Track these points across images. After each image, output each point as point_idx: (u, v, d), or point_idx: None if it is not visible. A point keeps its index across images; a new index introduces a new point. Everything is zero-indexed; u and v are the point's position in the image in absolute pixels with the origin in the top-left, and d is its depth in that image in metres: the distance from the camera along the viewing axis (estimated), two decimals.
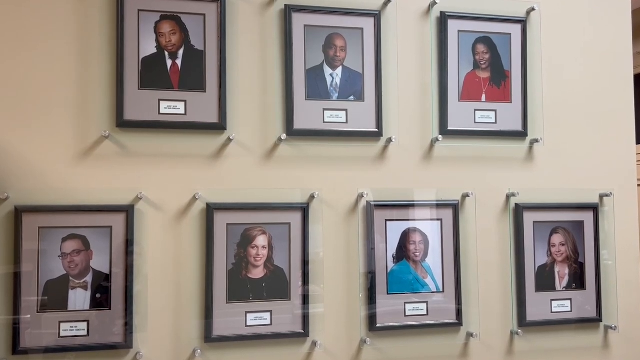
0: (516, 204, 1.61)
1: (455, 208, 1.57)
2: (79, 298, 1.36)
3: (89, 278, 1.37)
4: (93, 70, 1.42)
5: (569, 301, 1.62)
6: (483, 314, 1.57)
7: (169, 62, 1.45)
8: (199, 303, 1.42)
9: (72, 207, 1.37)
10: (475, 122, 1.61)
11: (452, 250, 1.56)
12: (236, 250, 1.45)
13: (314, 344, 1.47)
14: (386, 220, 1.53)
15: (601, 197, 1.68)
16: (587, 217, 1.65)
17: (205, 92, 1.45)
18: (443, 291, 1.55)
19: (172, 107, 1.43)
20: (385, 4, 1.57)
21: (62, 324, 1.35)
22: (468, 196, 1.59)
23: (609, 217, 1.68)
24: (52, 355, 1.34)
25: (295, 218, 1.48)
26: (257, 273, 1.46)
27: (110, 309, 1.37)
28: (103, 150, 1.41)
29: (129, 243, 1.39)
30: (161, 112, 1.43)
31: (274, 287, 1.46)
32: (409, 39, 1.59)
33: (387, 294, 1.52)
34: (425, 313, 1.53)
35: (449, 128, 1.59)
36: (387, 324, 1.51)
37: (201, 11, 1.46)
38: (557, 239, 1.63)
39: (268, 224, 1.46)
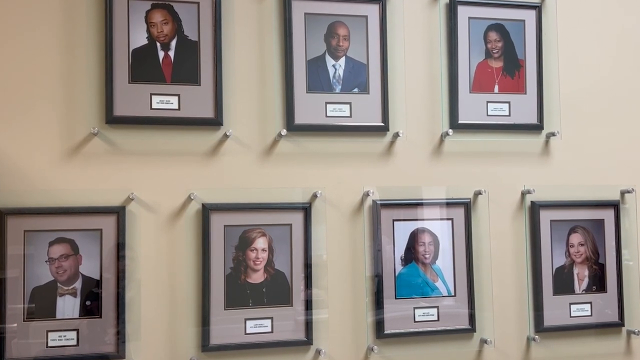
0: (532, 202, 1.57)
1: (467, 207, 1.53)
2: (68, 305, 1.33)
3: (78, 284, 1.34)
4: (80, 63, 1.38)
5: (588, 305, 1.58)
6: (497, 319, 1.53)
7: (161, 54, 1.41)
8: (195, 310, 1.39)
9: (59, 209, 1.34)
10: (487, 115, 1.57)
11: (464, 252, 1.52)
12: (234, 254, 1.41)
13: (318, 352, 1.43)
14: (393, 220, 1.49)
15: (622, 193, 1.64)
16: (608, 215, 1.61)
17: (199, 85, 1.42)
18: (455, 295, 1.51)
19: (164, 101, 1.40)
20: None
21: (50, 333, 1.32)
22: (480, 194, 1.55)
23: (631, 215, 1.63)
24: None
25: (296, 219, 1.44)
26: (257, 277, 1.42)
27: (101, 317, 1.34)
28: (92, 149, 1.37)
29: (120, 247, 1.36)
30: (153, 107, 1.39)
31: (275, 292, 1.42)
32: (416, 26, 1.55)
33: (395, 298, 1.48)
34: (436, 318, 1.50)
35: (459, 121, 1.55)
36: (395, 331, 1.47)
37: None
38: (575, 238, 1.59)
39: (268, 225, 1.43)
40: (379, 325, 1.46)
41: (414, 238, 1.50)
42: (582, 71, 1.64)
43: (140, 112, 1.38)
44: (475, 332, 1.51)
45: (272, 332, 1.41)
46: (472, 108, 1.55)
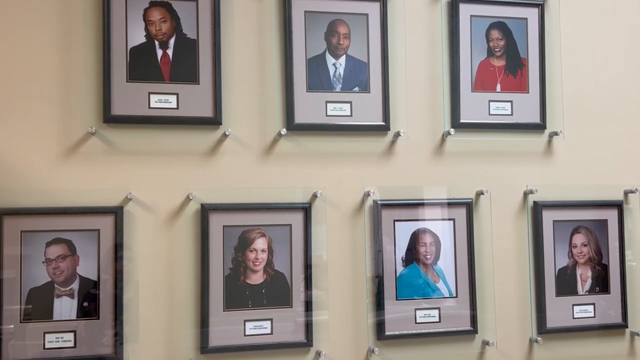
0: (534, 202, 1.55)
1: (469, 207, 1.52)
2: (65, 307, 1.32)
3: (75, 285, 1.33)
4: (77, 61, 1.37)
5: (592, 306, 1.57)
6: (500, 321, 1.52)
7: (160, 52, 1.39)
8: (194, 311, 1.37)
9: (56, 209, 1.33)
10: (489, 114, 1.55)
11: (465, 252, 1.51)
12: (233, 254, 1.39)
13: (318, 354, 1.42)
14: (394, 221, 1.48)
15: (626, 193, 1.62)
16: (611, 216, 1.60)
17: (198, 84, 1.40)
18: (456, 296, 1.50)
19: (163, 100, 1.38)
20: None
21: (47, 335, 1.30)
22: (482, 194, 1.53)
23: (634, 215, 1.62)
24: None
25: (296, 219, 1.42)
26: (256, 278, 1.40)
27: (98, 319, 1.33)
28: (89, 148, 1.36)
29: (118, 247, 1.34)
30: (151, 106, 1.38)
31: (275, 293, 1.41)
32: (417, 25, 1.54)
33: (396, 299, 1.47)
34: (438, 320, 1.48)
35: (461, 121, 1.53)
36: (396, 332, 1.46)
37: None
38: (578, 239, 1.57)
39: (267, 225, 1.41)
40: (379, 326, 1.44)
41: (415, 238, 1.48)
42: (585, 70, 1.62)
43: (138, 111, 1.36)
44: (477, 333, 1.49)
45: (271, 333, 1.39)
46: (474, 107, 1.53)
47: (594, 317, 1.56)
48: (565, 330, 1.54)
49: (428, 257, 1.49)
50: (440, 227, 1.50)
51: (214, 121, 1.40)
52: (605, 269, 1.58)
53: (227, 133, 1.40)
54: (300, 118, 1.44)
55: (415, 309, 1.46)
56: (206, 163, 1.41)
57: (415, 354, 1.47)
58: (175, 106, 1.38)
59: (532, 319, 1.53)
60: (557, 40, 1.59)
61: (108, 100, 1.34)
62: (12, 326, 1.28)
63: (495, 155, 1.55)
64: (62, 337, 1.30)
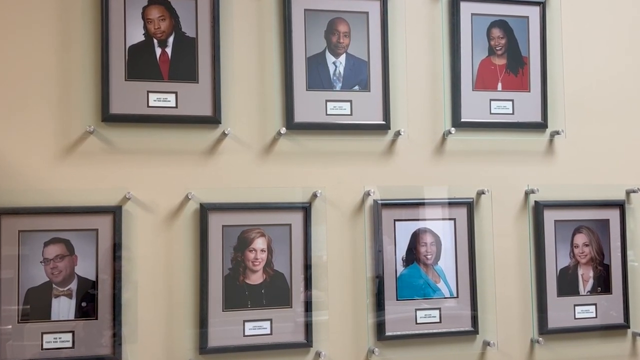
0: (536, 202, 1.55)
1: (470, 206, 1.51)
2: (63, 307, 1.31)
3: (73, 285, 1.32)
4: (76, 60, 1.36)
5: (593, 306, 1.56)
6: (501, 321, 1.51)
7: (158, 51, 1.39)
8: (193, 311, 1.37)
9: (54, 209, 1.32)
10: (490, 113, 1.54)
11: (466, 252, 1.50)
12: (233, 254, 1.39)
13: (318, 354, 1.41)
14: (395, 220, 1.47)
15: (628, 193, 1.62)
16: (613, 215, 1.59)
17: (197, 82, 1.39)
18: (457, 296, 1.49)
19: (161, 99, 1.38)
20: None
21: (45, 335, 1.30)
22: (483, 193, 1.53)
23: (636, 215, 1.61)
24: None
25: (296, 219, 1.42)
26: (256, 278, 1.40)
27: (96, 319, 1.32)
28: (87, 147, 1.36)
29: (116, 247, 1.34)
30: (150, 104, 1.37)
31: (274, 293, 1.40)
32: (418, 23, 1.53)
33: (397, 299, 1.46)
34: (438, 320, 1.48)
35: (462, 120, 1.52)
36: (396, 333, 1.45)
37: None
38: (580, 239, 1.57)
39: (267, 225, 1.41)
40: (380, 327, 1.43)
41: (415, 238, 1.48)
42: (586, 69, 1.61)
43: (136, 110, 1.36)
44: (478, 334, 1.49)
45: (271, 334, 1.38)
46: (475, 106, 1.52)
47: (596, 317, 1.55)
48: (567, 331, 1.53)
49: (429, 257, 1.48)
50: (440, 227, 1.49)
51: (213, 120, 1.39)
52: (607, 269, 1.57)
53: (226, 132, 1.40)
54: (300, 117, 1.43)
55: (416, 309, 1.46)
56: (205, 162, 1.40)
57: (415, 354, 1.46)
58: (174, 105, 1.37)
59: (534, 319, 1.52)
60: (558, 38, 1.58)
61: (106, 99, 1.34)
62: (10, 326, 1.28)
63: (496, 154, 1.55)
64: (60, 338, 1.30)
